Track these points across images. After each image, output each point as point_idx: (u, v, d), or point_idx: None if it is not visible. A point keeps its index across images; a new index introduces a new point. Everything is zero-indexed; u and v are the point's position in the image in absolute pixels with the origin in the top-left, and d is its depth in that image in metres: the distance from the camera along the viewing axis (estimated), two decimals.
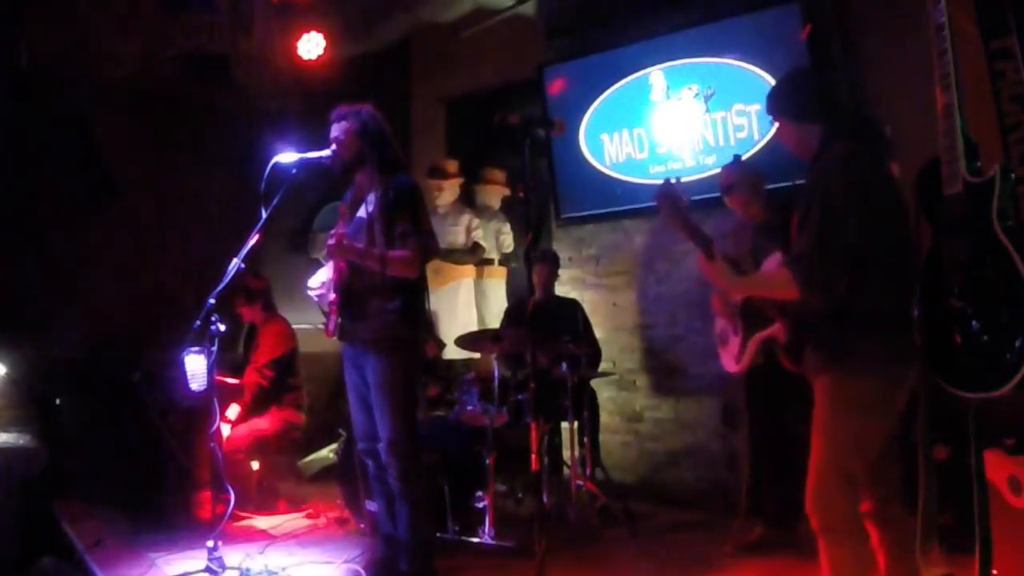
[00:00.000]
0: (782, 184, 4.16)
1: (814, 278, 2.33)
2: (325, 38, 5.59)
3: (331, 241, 3.42)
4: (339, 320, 3.50)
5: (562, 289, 5.41)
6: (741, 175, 4.06)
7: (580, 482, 4.55)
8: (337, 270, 3.52)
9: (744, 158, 4.37)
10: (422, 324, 3.74)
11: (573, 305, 5.24)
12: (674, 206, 2.69)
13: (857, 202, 2.31)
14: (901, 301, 2.32)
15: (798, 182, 2.56)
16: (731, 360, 3.83)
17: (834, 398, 2.40)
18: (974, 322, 2.09)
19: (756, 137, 4.92)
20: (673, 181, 2.74)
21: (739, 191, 4.00)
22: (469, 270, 5.88)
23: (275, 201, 3.53)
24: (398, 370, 3.46)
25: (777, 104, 2.58)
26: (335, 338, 3.55)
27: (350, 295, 3.49)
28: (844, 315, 2.34)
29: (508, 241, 6.01)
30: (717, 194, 5.00)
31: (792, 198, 2.49)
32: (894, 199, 2.39)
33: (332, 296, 3.51)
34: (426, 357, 4.73)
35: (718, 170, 5.08)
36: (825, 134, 2.43)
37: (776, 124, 2.58)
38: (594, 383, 5.07)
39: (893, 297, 2.33)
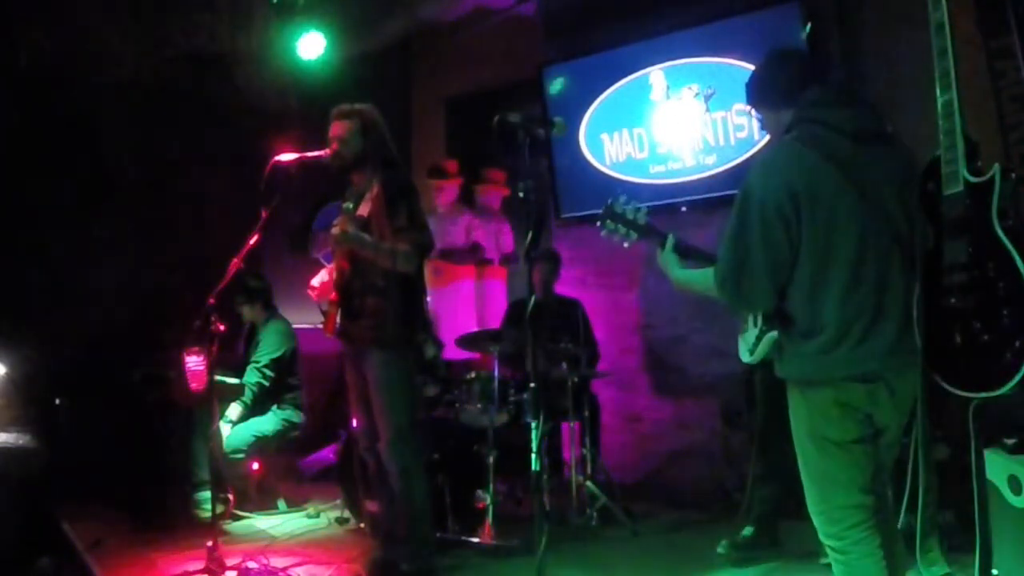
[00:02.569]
0: None
1: (725, 284, 2.25)
2: (325, 38, 5.60)
3: (335, 229, 3.42)
4: (339, 319, 3.50)
5: (562, 289, 5.41)
6: None
7: (580, 482, 4.55)
8: (338, 269, 3.52)
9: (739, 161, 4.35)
10: (421, 323, 3.75)
11: (573, 305, 5.24)
12: (624, 223, 2.60)
13: (772, 207, 2.14)
14: (856, 313, 2.13)
15: None
16: (745, 349, 3.84)
17: (790, 413, 2.31)
18: (974, 322, 2.08)
19: (756, 137, 4.92)
20: (612, 203, 2.64)
21: None
22: (469, 270, 5.88)
23: (275, 201, 3.54)
24: (398, 369, 3.47)
25: (747, 95, 2.57)
26: (335, 337, 3.56)
27: (350, 294, 3.50)
28: (788, 327, 2.25)
29: (508, 241, 6.01)
30: (718, 194, 5.04)
31: None
32: (859, 195, 2.14)
33: (332, 295, 3.52)
34: (426, 357, 4.73)
35: (718, 170, 5.11)
36: (789, 124, 2.31)
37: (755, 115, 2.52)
38: (594, 383, 5.06)
39: (844, 310, 2.13)
